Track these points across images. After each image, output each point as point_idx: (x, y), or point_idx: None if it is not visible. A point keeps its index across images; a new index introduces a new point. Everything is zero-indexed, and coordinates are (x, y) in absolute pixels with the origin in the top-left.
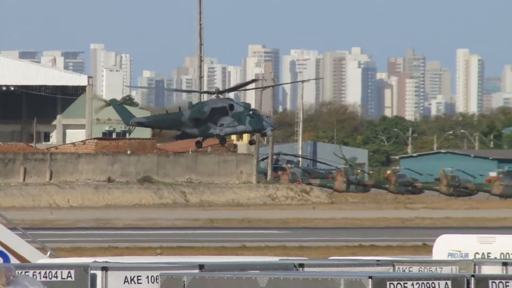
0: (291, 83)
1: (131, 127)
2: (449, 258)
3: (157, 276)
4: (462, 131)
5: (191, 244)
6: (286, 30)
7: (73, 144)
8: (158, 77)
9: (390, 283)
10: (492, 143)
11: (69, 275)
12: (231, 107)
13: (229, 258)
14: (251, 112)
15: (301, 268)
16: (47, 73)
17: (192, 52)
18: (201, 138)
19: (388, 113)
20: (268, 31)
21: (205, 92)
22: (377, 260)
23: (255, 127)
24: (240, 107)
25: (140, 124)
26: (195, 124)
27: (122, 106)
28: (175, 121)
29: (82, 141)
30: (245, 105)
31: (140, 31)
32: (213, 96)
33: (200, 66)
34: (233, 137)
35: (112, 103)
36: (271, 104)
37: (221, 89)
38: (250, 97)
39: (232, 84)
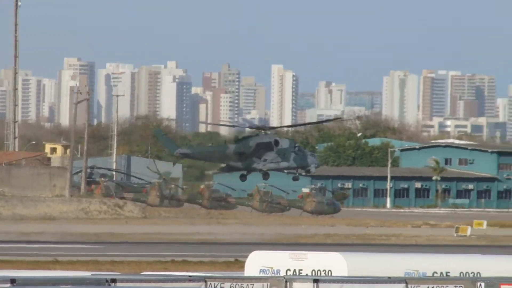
0: (314, 123)
1: (176, 157)
2: (261, 275)
3: None
4: None
5: (3, 257)
6: (101, 43)
7: None
8: None
9: None
10: None
11: None
12: (276, 142)
13: (41, 273)
14: (296, 149)
15: (113, 283)
16: None
17: (6, 64)
18: (246, 171)
19: (202, 128)
20: (84, 44)
21: (251, 127)
22: (189, 276)
23: (299, 164)
24: (285, 143)
25: (185, 155)
26: (240, 158)
27: (166, 136)
28: (220, 153)
29: None
30: (290, 141)
31: None
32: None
33: (15, 79)
34: (47, 149)
35: (157, 133)
36: (85, 117)
37: (268, 125)
38: (65, 110)
39: (51, 96)
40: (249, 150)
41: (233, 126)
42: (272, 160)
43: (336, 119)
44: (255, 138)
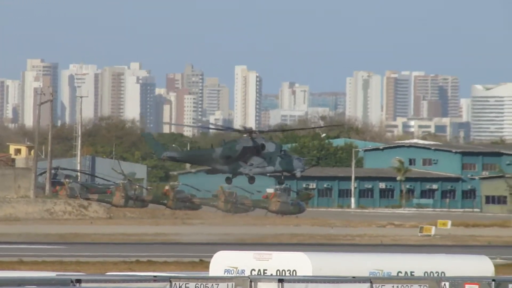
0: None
1: (163, 160)
2: (226, 275)
3: None
4: None
5: None
6: (65, 44)
7: None
8: None
9: None
10: None
11: None
12: (263, 147)
13: (6, 273)
14: (282, 153)
15: (78, 284)
16: None
17: None
18: (231, 174)
19: (166, 129)
20: (47, 45)
21: (238, 130)
22: (154, 276)
23: (285, 168)
24: (271, 147)
25: (172, 158)
26: (226, 162)
27: (155, 139)
28: (207, 157)
29: None
30: (276, 145)
31: None
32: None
33: None
34: (11, 151)
35: (146, 136)
36: (49, 118)
37: (254, 129)
38: (29, 111)
39: (15, 97)
40: (236, 154)
41: (197, 126)
42: (258, 164)
43: (335, 125)
44: (241, 142)
